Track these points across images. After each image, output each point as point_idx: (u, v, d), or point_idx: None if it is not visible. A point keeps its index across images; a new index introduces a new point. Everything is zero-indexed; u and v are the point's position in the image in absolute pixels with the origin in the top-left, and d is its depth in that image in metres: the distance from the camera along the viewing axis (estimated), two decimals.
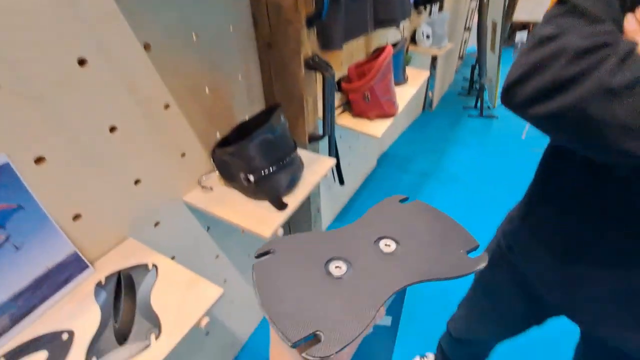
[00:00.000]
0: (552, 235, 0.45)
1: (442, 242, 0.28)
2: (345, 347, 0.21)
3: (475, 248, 0.28)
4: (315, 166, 0.87)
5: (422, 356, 1.18)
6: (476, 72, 2.85)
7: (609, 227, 0.37)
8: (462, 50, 3.49)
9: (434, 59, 2.43)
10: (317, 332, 0.21)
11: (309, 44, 0.83)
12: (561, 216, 0.42)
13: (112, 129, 0.60)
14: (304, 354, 0.21)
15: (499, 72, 2.62)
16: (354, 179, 1.92)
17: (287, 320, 0.22)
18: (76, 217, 0.59)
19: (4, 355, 0.49)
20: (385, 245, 0.27)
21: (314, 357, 0.20)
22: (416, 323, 1.31)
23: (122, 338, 0.49)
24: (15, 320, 0.53)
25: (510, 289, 0.61)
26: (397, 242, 0.27)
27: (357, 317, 0.22)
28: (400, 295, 0.31)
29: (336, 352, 0.21)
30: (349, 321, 0.22)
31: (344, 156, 1.63)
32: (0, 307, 0.51)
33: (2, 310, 0.51)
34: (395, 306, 0.31)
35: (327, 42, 1.02)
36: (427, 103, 2.80)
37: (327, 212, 1.71)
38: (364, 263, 0.25)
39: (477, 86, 2.78)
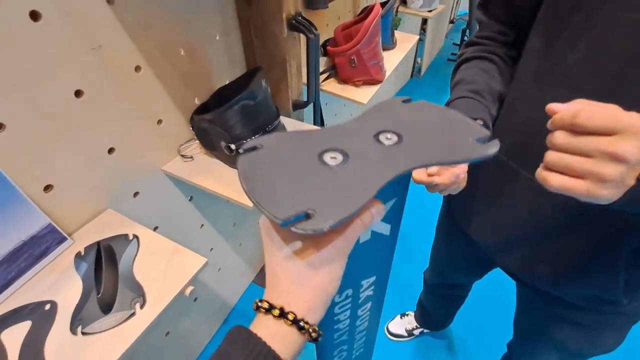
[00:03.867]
0: (480, 178, 0.52)
1: (450, 132, 0.25)
2: (338, 223, 0.19)
3: (486, 137, 0.24)
4: None
5: (403, 314, 1.26)
6: (467, 36, 2.77)
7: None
8: (453, 13, 3.36)
9: (424, 22, 2.34)
10: (309, 211, 0.19)
11: (292, 1, 0.77)
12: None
13: (78, 93, 0.55)
14: (293, 227, 0.19)
15: None
16: None
17: (276, 201, 0.20)
18: (47, 187, 0.56)
19: None
20: (386, 138, 0.24)
21: (305, 229, 0.19)
22: (397, 285, 1.37)
23: (106, 307, 0.49)
24: None
25: (458, 236, 0.67)
26: (399, 135, 0.25)
27: (352, 197, 0.20)
28: (399, 204, 0.30)
29: (329, 227, 0.19)
30: (343, 201, 0.20)
31: (329, 123, 1.60)
32: None
33: None
34: (394, 214, 0.31)
35: (311, 0, 0.95)
36: (415, 69, 2.74)
37: None
38: (362, 153, 0.23)
39: None
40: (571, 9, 0.37)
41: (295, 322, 0.22)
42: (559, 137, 0.29)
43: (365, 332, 0.40)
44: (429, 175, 0.42)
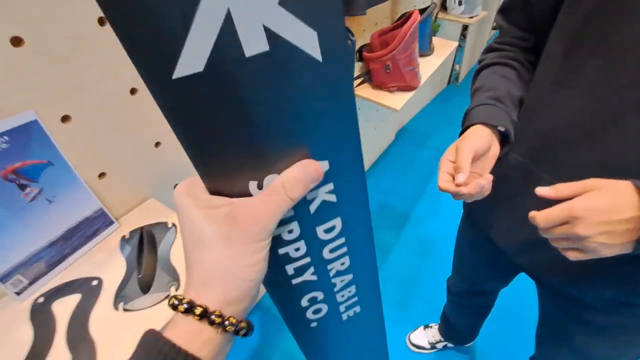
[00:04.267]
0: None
1: None
2: None
3: None
4: None
5: (426, 326, 1.23)
6: None
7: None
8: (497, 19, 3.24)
9: (465, 28, 2.28)
10: None
11: None
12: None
13: (133, 91, 0.61)
14: None
15: None
16: (369, 153, 1.90)
17: None
18: (101, 175, 0.62)
19: (42, 295, 0.55)
20: None
21: None
22: (421, 296, 1.34)
23: (145, 287, 0.53)
24: (51, 266, 0.59)
25: (480, 239, 0.68)
26: None
27: None
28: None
29: None
30: None
31: (361, 129, 1.60)
32: (37, 254, 0.56)
33: (38, 257, 0.57)
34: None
35: (349, 6, 0.97)
36: (453, 76, 2.67)
37: None
38: None
39: None
40: (589, 17, 0.39)
41: (205, 315, 0.20)
42: (541, 232, 0.38)
43: (350, 275, 0.29)
44: (457, 185, 0.43)
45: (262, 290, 1.36)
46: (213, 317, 0.20)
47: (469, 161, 0.43)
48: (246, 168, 0.19)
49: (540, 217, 0.37)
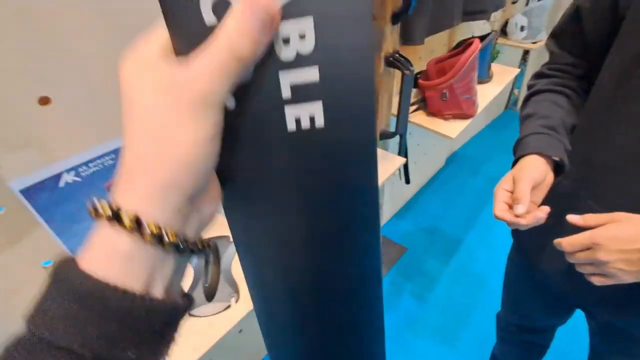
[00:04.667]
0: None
1: None
2: None
3: None
4: (384, 164, 0.88)
5: None
6: None
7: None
8: None
9: (526, 52, 2.18)
10: None
11: (391, 40, 0.83)
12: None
13: None
14: None
15: None
16: (419, 177, 1.86)
17: None
18: None
19: None
20: None
21: None
22: (469, 332, 1.25)
23: (210, 296, 0.58)
24: None
25: (530, 268, 0.65)
26: None
27: None
28: None
29: None
30: None
31: (411, 153, 1.59)
32: None
33: None
34: None
35: (407, 37, 0.99)
36: (511, 101, 2.54)
37: (387, 208, 1.70)
38: None
39: None
40: None
41: (115, 217, 0.14)
42: (567, 257, 0.41)
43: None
44: (516, 216, 0.45)
45: None
46: (124, 215, 0.14)
47: (529, 193, 0.44)
48: None
49: (565, 241, 0.40)
